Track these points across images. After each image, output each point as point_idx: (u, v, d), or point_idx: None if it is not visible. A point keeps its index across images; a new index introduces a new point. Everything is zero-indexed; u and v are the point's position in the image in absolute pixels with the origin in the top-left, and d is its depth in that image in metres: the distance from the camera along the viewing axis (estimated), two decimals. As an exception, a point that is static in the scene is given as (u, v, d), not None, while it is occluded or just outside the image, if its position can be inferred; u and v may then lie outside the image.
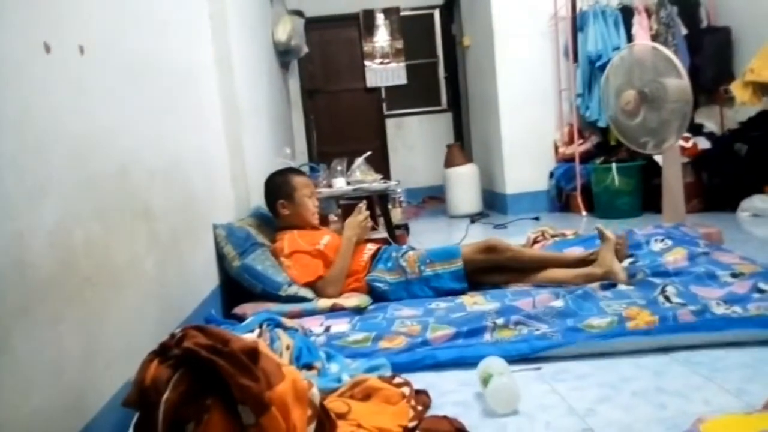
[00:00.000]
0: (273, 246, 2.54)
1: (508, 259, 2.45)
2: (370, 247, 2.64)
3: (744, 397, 1.36)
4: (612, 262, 2.27)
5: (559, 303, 1.98)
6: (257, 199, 2.93)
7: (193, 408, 0.94)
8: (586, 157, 4.63)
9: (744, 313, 1.75)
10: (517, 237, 3.40)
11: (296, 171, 2.84)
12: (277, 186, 2.66)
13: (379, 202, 3.77)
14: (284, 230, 2.61)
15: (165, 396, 0.94)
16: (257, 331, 1.65)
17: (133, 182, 1.57)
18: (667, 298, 1.94)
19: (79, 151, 1.27)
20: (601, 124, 4.54)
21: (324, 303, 2.26)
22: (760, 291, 1.91)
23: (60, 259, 1.14)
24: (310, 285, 2.40)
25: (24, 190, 1.05)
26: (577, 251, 2.64)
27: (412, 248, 2.70)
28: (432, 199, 6.63)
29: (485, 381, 1.44)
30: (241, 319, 2.12)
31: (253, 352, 0.99)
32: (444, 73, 7.13)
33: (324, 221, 3.47)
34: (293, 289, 2.33)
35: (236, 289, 2.38)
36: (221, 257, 2.36)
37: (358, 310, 2.21)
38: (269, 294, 2.32)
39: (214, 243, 2.35)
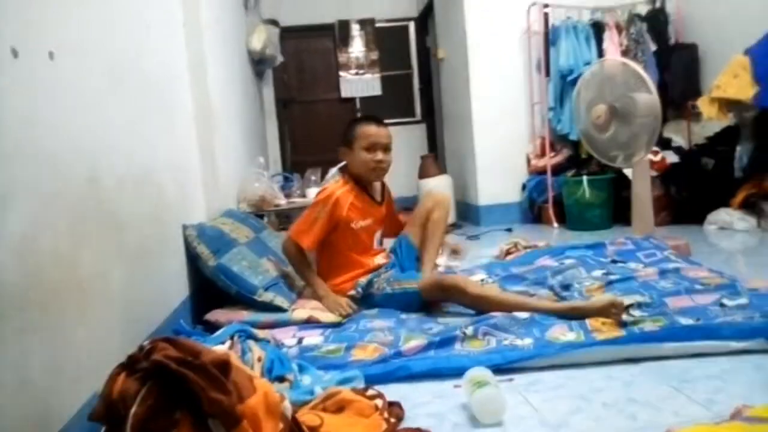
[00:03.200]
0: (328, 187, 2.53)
1: (470, 301, 2.19)
2: (383, 258, 2.59)
3: (713, 407, 1.38)
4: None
5: (524, 314, 2.00)
6: (229, 207, 2.90)
7: (162, 422, 0.92)
8: (558, 170, 4.68)
9: (710, 323, 1.78)
10: (489, 248, 3.43)
11: (373, 119, 2.62)
12: (345, 131, 2.59)
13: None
14: (349, 179, 2.56)
15: (133, 410, 0.91)
16: (228, 342, 1.63)
17: (103, 190, 1.54)
18: (630, 315, 1.96)
19: (46, 158, 1.25)
20: (573, 137, 4.61)
21: (299, 315, 2.24)
22: (723, 305, 1.94)
23: (26, 270, 1.11)
24: (292, 240, 2.41)
25: (-12, 198, 1.02)
26: (548, 262, 2.67)
27: (391, 267, 2.57)
28: (406, 210, 6.62)
29: (477, 385, 1.43)
30: (213, 325, 2.10)
31: (224, 365, 0.98)
32: (418, 84, 7.18)
33: None
34: (269, 296, 2.29)
35: (208, 296, 2.35)
36: (194, 258, 2.30)
37: (334, 326, 2.18)
38: (244, 297, 2.28)
39: (184, 248, 2.31)
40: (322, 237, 2.42)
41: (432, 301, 2.33)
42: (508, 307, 2.06)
